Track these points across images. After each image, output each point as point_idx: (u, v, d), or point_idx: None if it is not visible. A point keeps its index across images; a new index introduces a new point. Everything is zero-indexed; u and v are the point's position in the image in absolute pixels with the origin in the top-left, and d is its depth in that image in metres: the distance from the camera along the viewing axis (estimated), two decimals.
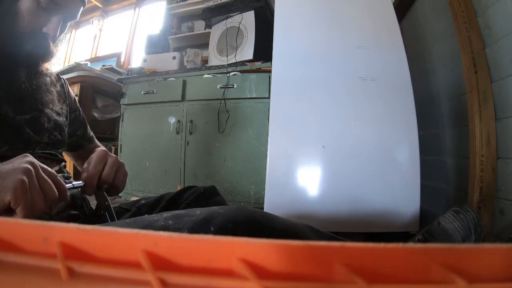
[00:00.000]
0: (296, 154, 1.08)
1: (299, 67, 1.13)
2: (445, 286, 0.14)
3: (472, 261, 0.14)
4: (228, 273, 0.15)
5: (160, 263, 0.15)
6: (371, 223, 1.00)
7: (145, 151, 1.88)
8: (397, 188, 1.01)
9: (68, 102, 0.72)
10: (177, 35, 2.41)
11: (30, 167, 0.37)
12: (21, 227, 0.17)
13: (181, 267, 0.15)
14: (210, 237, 0.15)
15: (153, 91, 1.88)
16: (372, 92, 1.07)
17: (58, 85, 0.70)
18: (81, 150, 0.79)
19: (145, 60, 2.19)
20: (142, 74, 2.00)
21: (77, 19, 0.60)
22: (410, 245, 0.14)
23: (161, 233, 0.16)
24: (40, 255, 0.16)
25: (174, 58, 2.09)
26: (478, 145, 0.95)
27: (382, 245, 0.14)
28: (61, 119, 0.65)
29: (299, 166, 1.07)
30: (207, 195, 0.68)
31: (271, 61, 1.20)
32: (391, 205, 1.00)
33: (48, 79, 0.64)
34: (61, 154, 0.67)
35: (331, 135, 1.06)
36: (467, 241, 0.67)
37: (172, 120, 1.84)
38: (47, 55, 0.58)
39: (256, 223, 0.40)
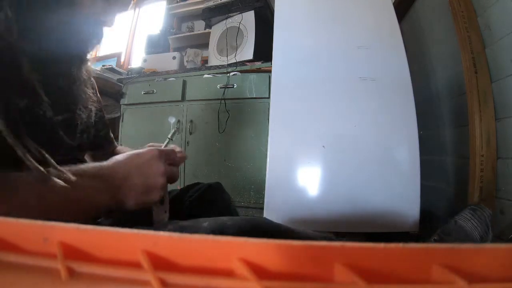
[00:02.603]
0: (296, 154, 1.08)
1: (299, 67, 1.13)
2: (445, 286, 0.14)
3: (472, 261, 0.14)
4: (228, 273, 0.15)
5: (160, 263, 0.15)
6: (371, 223, 1.00)
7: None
8: (397, 188, 1.01)
9: (96, 100, 0.64)
10: (177, 35, 2.41)
11: (164, 169, 0.44)
12: (21, 227, 0.17)
13: (181, 267, 0.15)
14: (210, 237, 0.15)
15: (153, 91, 1.88)
16: (372, 92, 1.07)
17: (89, 81, 0.62)
18: (99, 151, 0.73)
19: (145, 60, 2.19)
20: (142, 74, 2.00)
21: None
22: (410, 245, 0.14)
23: (161, 233, 0.16)
24: (40, 255, 0.16)
25: (174, 58, 2.09)
26: (478, 145, 0.95)
27: (382, 245, 0.14)
28: (90, 120, 0.60)
29: (299, 166, 1.07)
30: (212, 191, 0.66)
31: (271, 61, 1.20)
32: (391, 205, 1.00)
33: (85, 74, 0.57)
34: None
35: (331, 135, 1.06)
36: (485, 238, 0.67)
37: (172, 120, 1.83)
38: (97, 43, 0.53)
39: (266, 233, 0.40)
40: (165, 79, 1.91)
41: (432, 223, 1.04)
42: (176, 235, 0.16)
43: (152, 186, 0.43)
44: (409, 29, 1.53)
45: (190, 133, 1.78)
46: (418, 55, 1.44)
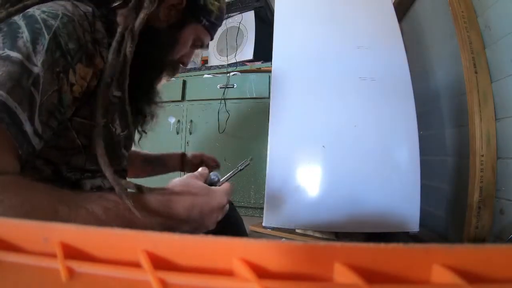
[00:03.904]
0: (296, 154, 1.08)
1: (299, 67, 1.13)
2: (445, 286, 0.14)
3: (472, 261, 0.14)
4: (228, 273, 0.15)
5: (160, 263, 0.15)
6: (371, 223, 1.00)
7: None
8: (397, 188, 1.01)
9: None
10: None
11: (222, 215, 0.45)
12: (21, 227, 0.17)
13: (181, 267, 0.15)
14: (210, 237, 0.15)
15: None
16: (372, 92, 1.07)
17: None
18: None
19: None
20: None
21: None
22: (410, 245, 0.14)
23: (161, 233, 0.16)
24: (40, 255, 0.16)
25: None
26: (478, 145, 0.95)
27: (382, 245, 0.14)
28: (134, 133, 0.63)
29: (299, 166, 1.07)
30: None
31: (271, 61, 1.20)
32: (391, 205, 1.00)
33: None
34: None
35: (331, 135, 1.05)
36: None
37: (172, 120, 1.83)
38: (169, 80, 0.62)
39: None
40: None
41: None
42: (176, 235, 0.16)
43: (205, 228, 0.43)
44: (409, 29, 1.53)
45: (190, 133, 1.77)
46: (418, 55, 1.44)
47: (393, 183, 1.01)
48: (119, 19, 0.42)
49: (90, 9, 0.40)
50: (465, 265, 0.14)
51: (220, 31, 1.93)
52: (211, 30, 0.56)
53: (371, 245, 0.14)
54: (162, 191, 0.40)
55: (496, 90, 0.95)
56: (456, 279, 0.13)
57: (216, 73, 1.79)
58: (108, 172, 0.36)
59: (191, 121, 1.78)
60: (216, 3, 0.54)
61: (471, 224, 0.94)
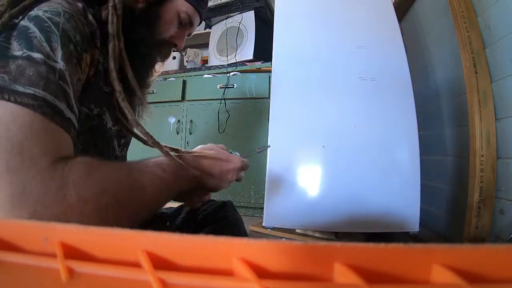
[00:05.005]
0: (296, 154, 1.08)
1: (299, 67, 1.13)
2: (445, 286, 0.14)
3: (472, 261, 0.14)
4: (228, 273, 0.15)
5: (160, 263, 0.15)
6: (371, 223, 1.00)
7: (145, 151, 1.88)
8: (397, 188, 1.01)
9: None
10: None
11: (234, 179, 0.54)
12: (21, 227, 0.17)
13: (181, 267, 0.15)
14: (210, 237, 0.15)
15: (153, 91, 1.88)
16: (372, 92, 1.07)
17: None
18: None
19: None
20: None
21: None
22: (410, 245, 0.14)
23: (161, 233, 0.16)
24: (40, 255, 0.16)
25: (174, 58, 2.09)
26: (478, 145, 0.95)
27: (382, 245, 0.14)
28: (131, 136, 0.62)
29: (299, 166, 1.07)
30: (226, 209, 0.68)
31: (271, 61, 1.20)
32: (391, 205, 1.00)
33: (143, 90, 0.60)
34: None
35: (331, 135, 1.06)
36: None
37: (172, 120, 1.83)
38: (163, 62, 0.60)
39: None
40: (165, 79, 1.91)
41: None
42: (176, 235, 0.16)
43: (219, 188, 0.51)
44: (409, 29, 1.53)
45: (190, 133, 1.77)
46: (418, 55, 1.44)
47: (393, 183, 1.01)
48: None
49: (80, 4, 0.43)
50: (465, 265, 0.14)
51: (220, 31, 1.93)
52: (194, 2, 0.57)
53: (371, 245, 0.14)
54: (192, 153, 0.49)
55: (496, 90, 0.95)
56: (456, 279, 0.13)
57: (216, 73, 1.79)
58: (140, 129, 0.43)
59: (191, 121, 1.78)
60: None
61: (471, 224, 0.94)
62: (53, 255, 0.16)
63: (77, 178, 0.32)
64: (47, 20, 0.37)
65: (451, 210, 1.17)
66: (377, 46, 1.11)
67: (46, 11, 0.38)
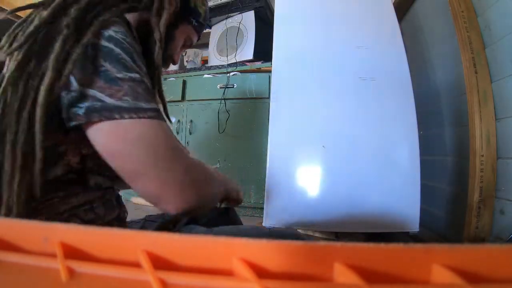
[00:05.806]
0: (296, 154, 1.08)
1: (299, 67, 1.13)
2: (445, 286, 0.14)
3: (472, 261, 0.14)
4: (228, 273, 0.15)
5: (160, 263, 0.15)
6: (371, 223, 1.00)
7: None
8: (397, 188, 1.01)
9: None
10: None
11: None
12: (21, 227, 0.17)
13: (181, 267, 0.15)
14: (210, 237, 0.15)
15: None
16: (372, 92, 1.07)
17: None
18: None
19: None
20: None
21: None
22: (410, 245, 0.14)
23: (161, 233, 0.16)
24: (40, 255, 0.16)
25: None
26: (478, 145, 0.95)
27: (382, 245, 0.14)
28: None
29: (299, 166, 1.07)
30: (228, 214, 0.75)
31: (271, 61, 1.20)
32: (391, 205, 1.00)
33: None
34: None
35: (331, 135, 1.06)
36: None
37: (172, 120, 1.83)
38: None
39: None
40: (165, 79, 1.91)
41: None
42: (176, 235, 0.16)
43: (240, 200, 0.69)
44: (409, 29, 1.53)
45: (190, 133, 1.77)
46: (418, 55, 1.45)
47: (393, 183, 1.01)
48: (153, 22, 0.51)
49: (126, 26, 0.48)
50: (465, 265, 0.14)
51: (220, 31, 1.93)
52: (199, 30, 0.65)
53: (371, 245, 0.14)
54: None
55: (496, 90, 0.95)
56: (456, 279, 0.13)
57: (216, 73, 1.79)
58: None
59: (191, 121, 1.78)
60: (203, 7, 0.63)
61: (471, 224, 0.94)
62: (53, 255, 0.16)
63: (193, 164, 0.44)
64: (124, 42, 0.42)
65: (451, 210, 1.17)
66: (377, 46, 1.11)
67: (116, 32, 0.42)
